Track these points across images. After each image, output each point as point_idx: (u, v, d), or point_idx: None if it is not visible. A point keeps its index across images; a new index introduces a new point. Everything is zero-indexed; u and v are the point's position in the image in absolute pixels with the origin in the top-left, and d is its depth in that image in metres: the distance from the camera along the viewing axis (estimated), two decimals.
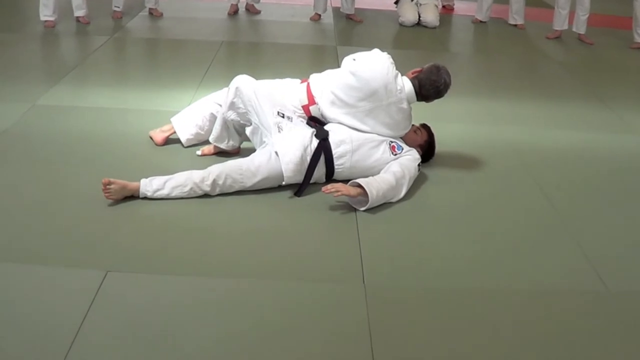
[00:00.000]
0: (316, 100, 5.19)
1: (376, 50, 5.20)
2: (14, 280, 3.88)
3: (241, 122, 5.19)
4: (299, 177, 4.89)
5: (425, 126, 5.48)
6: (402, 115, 5.13)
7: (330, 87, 5.14)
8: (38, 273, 3.94)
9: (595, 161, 5.96)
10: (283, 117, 4.99)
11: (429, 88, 5.12)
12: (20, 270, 3.96)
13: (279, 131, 4.93)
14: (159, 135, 5.62)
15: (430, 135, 5.44)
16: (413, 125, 5.32)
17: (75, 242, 4.25)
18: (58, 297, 3.76)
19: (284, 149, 4.85)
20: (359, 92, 5.04)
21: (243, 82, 5.08)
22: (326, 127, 5.08)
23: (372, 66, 5.07)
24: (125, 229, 4.43)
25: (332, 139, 4.97)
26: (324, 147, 4.93)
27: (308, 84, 5.31)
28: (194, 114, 5.62)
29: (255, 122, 5.05)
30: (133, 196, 4.68)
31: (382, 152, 5.04)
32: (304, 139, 4.91)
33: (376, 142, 5.05)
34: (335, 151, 4.96)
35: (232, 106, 5.12)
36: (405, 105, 5.10)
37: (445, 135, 5.92)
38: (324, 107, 5.16)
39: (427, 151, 5.41)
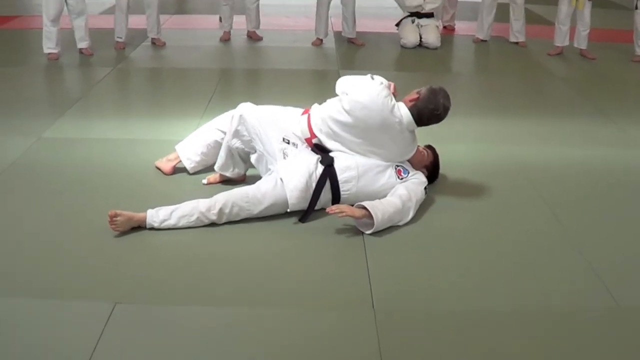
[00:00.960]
0: (316, 134, 5.16)
1: (368, 80, 5.11)
2: (22, 313, 3.87)
3: (246, 149, 5.20)
4: (304, 204, 4.89)
5: (430, 147, 5.48)
6: (404, 142, 5.11)
7: (327, 122, 5.11)
8: (46, 306, 3.94)
9: (601, 177, 5.95)
10: (288, 143, 5.00)
11: (429, 116, 5.06)
12: (29, 303, 3.95)
13: (284, 157, 4.94)
14: (166, 164, 5.64)
15: (435, 157, 5.45)
16: (419, 146, 5.32)
17: (83, 273, 4.25)
18: (67, 330, 3.75)
19: (288, 175, 4.85)
20: (356, 129, 5.01)
21: (247, 110, 5.10)
22: (331, 154, 5.07)
23: (366, 103, 4.96)
24: (133, 260, 4.43)
25: (338, 165, 4.97)
26: (329, 173, 4.93)
27: (309, 116, 5.26)
28: (197, 141, 5.64)
29: (260, 150, 5.06)
30: (140, 227, 4.69)
31: (389, 176, 5.03)
32: (309, 165, 4.91)
33: (382, 167, 5.04)
34: (341, 177, 4.95)
35: (236, 134, 5.13)
36: (406, 133, 5.09)
37: (449, 155, 5.93)
38: (324, 141, 5.15)
39: (432, 172, 5.41)
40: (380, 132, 4.97)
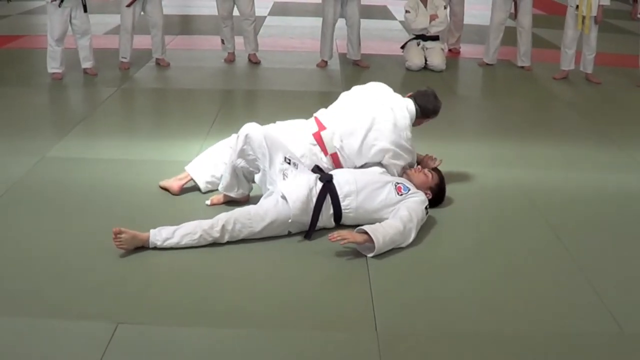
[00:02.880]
0: (325, 125, 5.42)
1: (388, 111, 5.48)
2: (24, 333, 3.84)
3: (250, 168, 5.19)
4: (306, 218, 4.89)
5: (436, 170, 5.48)
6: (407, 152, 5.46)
7: (339, 143, 5.31)
8: (49, 326, 3.91)
9: (606, 201, 5.93)
10: (289, 163, 5.01)
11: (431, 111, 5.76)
12: (31, 322, 3.92)
13: (284, 178, 4.96)
14: (174, 183, 5.62)
15: (441, 180, 5.44)
16: (424, 169, 5.32)
17: (86, 293, 4.22)
18: (69, 350, 3.73)
19: (290, 188, 4.89)
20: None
21: (252, 129, 5.08)
22: (330, 171, 5.18)
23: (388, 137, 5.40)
24: (136, 280, 4.40)
25: (337, 180, 5.01)
26: (328, 189, 4.96)
27: (316, 117, 5.55)
28: (209, 160, 5.66)
29: (265, 168, 5.05)
30: (143, 246, 4.66)
31: (388, 192, 5.04)
32: (309, 181, 4.96)
33: (381, 183, 5.07)
34: (341, 192, 4.97)
35: (241, 153, 5.12)
36: (409, 145, 5.40)
37: (454, 178, 5.93)
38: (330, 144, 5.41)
39: (437, 195, 5.39)
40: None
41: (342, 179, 5.03)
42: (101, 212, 5.29)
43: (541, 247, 5.07)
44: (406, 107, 5.63)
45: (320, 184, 4.97)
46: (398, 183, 5.10)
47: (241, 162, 5.16)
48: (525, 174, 6.39)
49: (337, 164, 5.42)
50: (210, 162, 5.65)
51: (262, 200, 5.08)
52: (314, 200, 4.91)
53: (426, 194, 5.20)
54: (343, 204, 4.98)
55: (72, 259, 4.61)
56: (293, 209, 4.83)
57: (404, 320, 4.11)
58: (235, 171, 5.23)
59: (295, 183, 4.94)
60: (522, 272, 4.71)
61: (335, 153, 5.42)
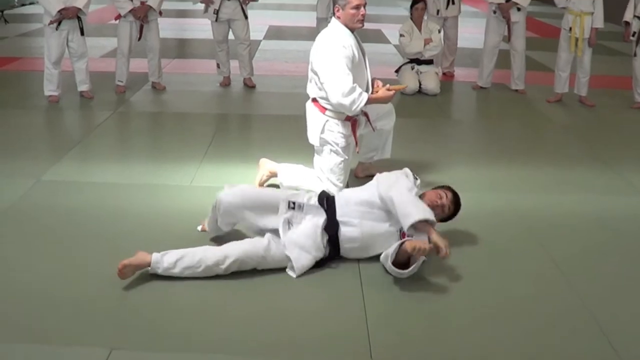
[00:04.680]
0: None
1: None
2: (18, 359, 3.84)
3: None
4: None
5: (449, 189, 5.41)
6: None
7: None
8: (42, 351, 3.91)
9: (603, 225, 5.94)
10: (294, 208, 4.95)
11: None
12: (24, 349, 3.93)
13: (289, 228, 4.89)
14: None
15: (457, 205, 5.38)
16: (436, 190, 5.34)
17: (80, 319, 4.22)
18: None
19: (296, 253, 4.81)
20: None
21: (226, 202, 4.99)
22: (338, 210, 4.99)
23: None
24: (130, 306, 4.40)
25: (343, 235, 4.94)
26: (333, 244, 4.93)
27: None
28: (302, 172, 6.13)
29: (257, 225, 5.05)
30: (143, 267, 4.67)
31: (390, 236, 4.95)
32: (315, 239, 4.87)
33: (387, 234, 4.97)
34: (345, 245, 4.95)
35: (223, 223, 5.11)
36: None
37: None
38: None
39: (455, 211, 5.38)
40: None
41: (347, 236, 4.93)
42: (96, 236, 5.29)
43: (538, 271, 5.06)
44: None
45: (326, 237, 4.91)
46: (402, 230, 4.93)
47: (227, 227, 5.15)
48: (520, 197, 6.41)
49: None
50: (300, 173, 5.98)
51: (271, 241, 4.90)
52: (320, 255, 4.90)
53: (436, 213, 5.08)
54: (345, 246, 4.96)
55: (66, 284, 4.61)
56: (298, 273, 4.79)
57: (399, 350, 4.09)
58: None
59: (301, 242, 4.84)
60: (518, 299, 4.69)
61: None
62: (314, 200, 5.03)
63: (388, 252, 4.71)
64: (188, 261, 4.67)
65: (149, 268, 4.65)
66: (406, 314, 4.46)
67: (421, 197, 5.13)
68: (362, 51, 6.03)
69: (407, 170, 5.25)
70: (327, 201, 5.02)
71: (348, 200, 5.04)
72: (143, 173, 6.70)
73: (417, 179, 5.21)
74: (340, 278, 4.80)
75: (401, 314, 4.45)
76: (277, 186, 6.24)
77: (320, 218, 4.95)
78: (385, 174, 5.16)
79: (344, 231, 4.94)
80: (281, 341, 4.12)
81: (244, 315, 4.36)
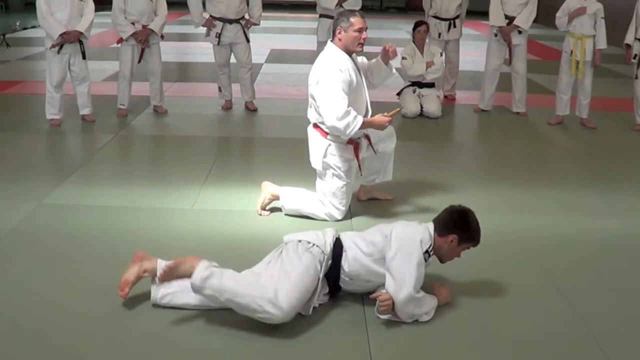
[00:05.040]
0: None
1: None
2: None
3: None
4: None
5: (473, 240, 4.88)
6: None
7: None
8: None
9: (604, 247, 5.93)
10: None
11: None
12: None
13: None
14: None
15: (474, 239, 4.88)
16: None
17: (82, 341, 4.21)
18: None
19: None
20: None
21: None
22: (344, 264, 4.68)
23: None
24: (132, 329, 4.38)
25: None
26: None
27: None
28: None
29: None
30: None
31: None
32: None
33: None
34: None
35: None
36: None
37: None
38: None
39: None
40: None
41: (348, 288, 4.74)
42: (98, 259, 5.28)
43: (539, 294, 5.04)
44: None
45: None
46: None
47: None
48: (523, 220, 6.41)
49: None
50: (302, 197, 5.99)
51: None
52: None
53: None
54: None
55: (68, 307, 4.59)
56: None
57: None
58: None
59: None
60: (520, 320, 4.67)
61: None
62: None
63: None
64: (193, 303, 4.53)
65: (150, 297, 4.57)
66: (410, 346, 4.38)
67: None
68: (361, 74, 6.05)
69: (428, 229, 4.74)
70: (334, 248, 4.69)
71: (357, 260, 4.67)
72: (145, 196, 6.70)
73: (430, 250, 4.72)
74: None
75: (405, 347, 4.37)
76: (279, 209, 6.23)
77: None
78: (399, 230, 4.66)
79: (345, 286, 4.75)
80: None
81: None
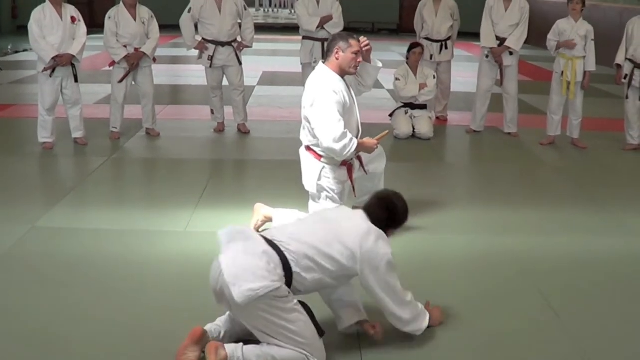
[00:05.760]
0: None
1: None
2: None
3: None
4: None
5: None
6: None
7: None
8: None
9: (597, 266, 5.94)
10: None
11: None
12: None
13: None
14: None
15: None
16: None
17: None
18: None
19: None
20: None
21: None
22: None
23: None
24: (123, 354, 4.37)
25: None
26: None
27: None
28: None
29: None
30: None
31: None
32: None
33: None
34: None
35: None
36: None
37: (444, 246, 5.92)
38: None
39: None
40: None
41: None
42: (91, 283, 5.28)
43: (533, 315, 5.04)
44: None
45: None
46: None
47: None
48: (515, 240, 6.41)
49: None
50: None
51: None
52: None
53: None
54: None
55: (59, 331, 4.58)
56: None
57: None
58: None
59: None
60: (514, 342, 4.67)
61: None
62: None
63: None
64: None
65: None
66: (401, 357, 4.41)
67: None
68: (352, 96, 6.09)
69: (368, 221, 4.51)
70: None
71: (318, 282, 4.38)
72: (138, 219, 6.69)
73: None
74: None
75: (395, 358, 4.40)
76: None
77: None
78: (370, 246, 4.35)
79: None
80: None
81: None
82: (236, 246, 4.21)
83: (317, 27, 10.56)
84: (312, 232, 4.40)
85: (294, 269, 4.22)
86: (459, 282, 5.47)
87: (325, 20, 10.60)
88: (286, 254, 4.22)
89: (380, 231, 4.43)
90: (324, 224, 4.47)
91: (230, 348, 4.14)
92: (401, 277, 4.45)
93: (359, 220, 4.47)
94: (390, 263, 4.37)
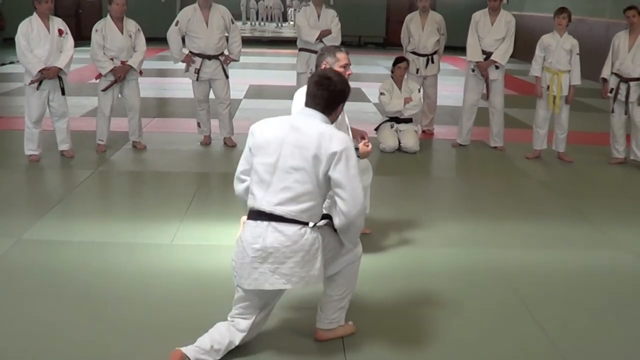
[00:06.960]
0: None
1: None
2: None
3: None
4: None
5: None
6: None
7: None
8: None
9: (582, 279, 5.97)
10: None
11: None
12: None
13: None
14: None
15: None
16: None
17: None
18: None
19: None
20: None
21: None
22: None
23: None
24: None
25: None
26: None
27: None
28: None
29: None
30: None
31: None
32: None
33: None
34: None
35: None
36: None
37: (429, 259, 5.94)
38: None
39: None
40: None
41: None
42: (76, 296, 5.27)
43: (518, 328, 5.06)
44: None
45: None
46: None
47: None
48: (500, 253, 6.43)
49: None
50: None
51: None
52: None
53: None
54: None
55: (45, 345, 4.57)
56: None
57: None
58: None
59: None
60: (499, 356, 4.68)
61: None
62: None
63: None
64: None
65: None
66: None
67: None
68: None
69: (327, 123, 4.63)
70: None
71: None
72: (124, 232, 6.69)
73: None
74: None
75: None
76: None
77: None
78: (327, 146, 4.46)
79: None
80: None
81: None
82: None
83: (316, 40, 10.66)
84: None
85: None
86: (444, 296, 5.48)
87: (324, 34, 10.76)
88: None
89: (331, 128, 4.53)
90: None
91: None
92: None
93: (312, 130, 4.54)
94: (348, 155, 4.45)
